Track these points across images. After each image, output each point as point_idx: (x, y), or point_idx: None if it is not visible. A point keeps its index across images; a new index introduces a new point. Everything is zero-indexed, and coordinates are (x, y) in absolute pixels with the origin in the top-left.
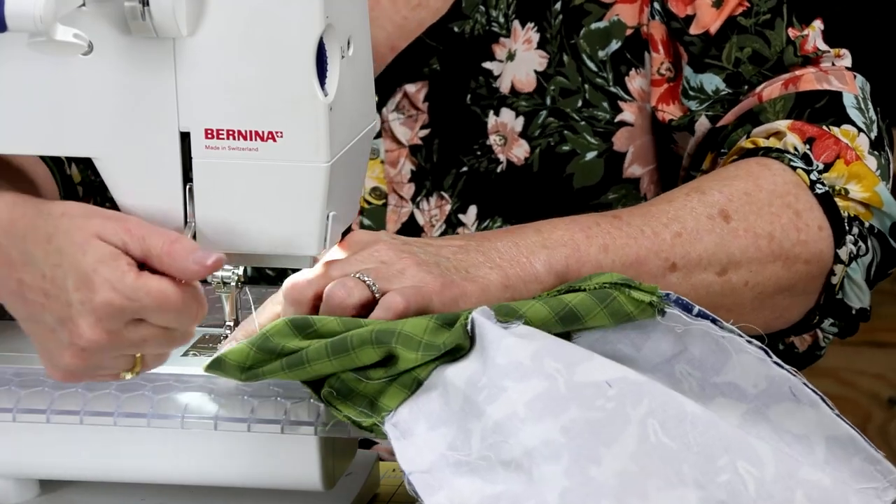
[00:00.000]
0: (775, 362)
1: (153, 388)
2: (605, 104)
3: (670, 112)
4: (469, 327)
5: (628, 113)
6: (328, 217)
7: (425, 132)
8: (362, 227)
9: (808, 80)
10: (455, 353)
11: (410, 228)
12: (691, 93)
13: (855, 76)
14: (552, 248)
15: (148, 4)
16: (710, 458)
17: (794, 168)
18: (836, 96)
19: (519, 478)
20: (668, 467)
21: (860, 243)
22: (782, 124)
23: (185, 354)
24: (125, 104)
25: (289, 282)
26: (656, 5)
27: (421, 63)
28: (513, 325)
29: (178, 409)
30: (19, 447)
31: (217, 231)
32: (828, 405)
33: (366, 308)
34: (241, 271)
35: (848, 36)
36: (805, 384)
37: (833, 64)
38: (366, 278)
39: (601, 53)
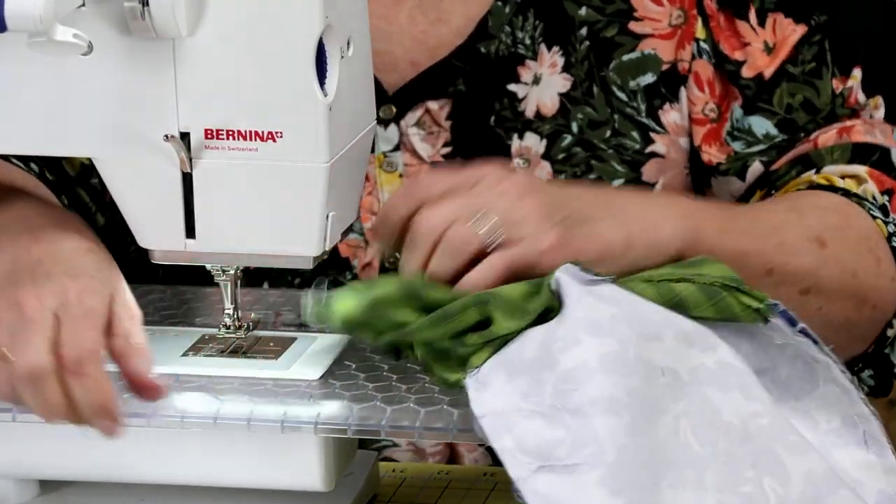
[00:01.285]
0: (862, 398)
1: None
2: (635, 134)
3: (713, 154)
4: (554, 286)
5: (660, 144)
6: (328, 217)
7: (447, 150)
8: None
9: (859, 131)
10: (546, 316)
11: None
12: (737, 133)
13: (893, 129)
14: (679, 219)
15: (148, 4)
16: (736, 470)
17: (874, 217)
18: (886, 152)
19: (581, 424)
20: (691, 470)
21: None
22: (861, 169)
23: (185, 354)
24: (125, 104)
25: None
26: (703, 45)
27: (447, 83)
28: (601, 282)
29: (178, 409)
30: (19, 447)
31: (217, 231)
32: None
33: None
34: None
35: (882, 83)
36: (882, 431)
37: (871, 116)
38: (485, 230)
39: (632, 83)
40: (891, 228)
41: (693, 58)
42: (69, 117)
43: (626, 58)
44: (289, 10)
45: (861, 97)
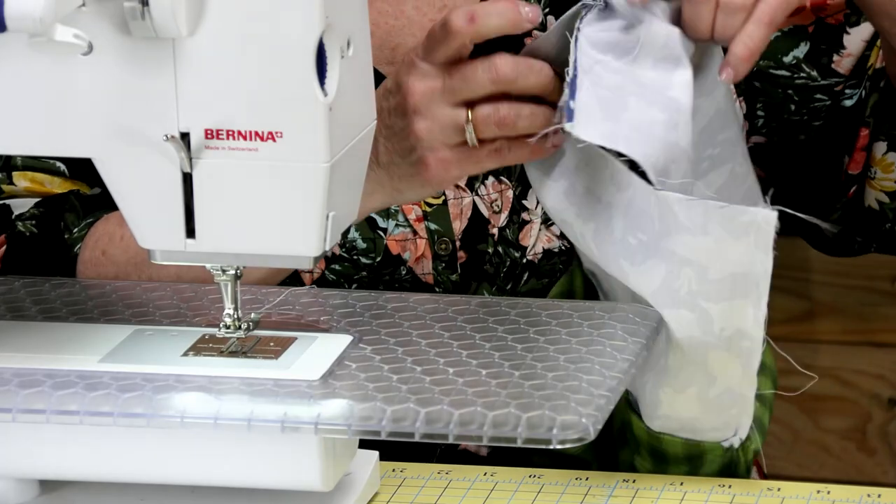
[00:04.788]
0: None
1: (153, 388)
2: None
3: None
4: None
5: None
6: (328, 217)
7: None
8: (428, 231)
9: None
10: None
11: (476, 220)
12: None
13: None
14: None
15: (148, 4)
16: None
17: None
18: None
19: None
20: None
21: None
22: None
23: (185, 354)
24: (125, 104)
25: None
26: None
27: None
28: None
29: (178, 409)
30: (19, 447)
31: (217, 231)
32: None
33: None
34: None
35: None
36: None
37: None
38: None
39: None
40: None
41: None
42: (69, 117)
43: None
44: (289, 10)
45: None
